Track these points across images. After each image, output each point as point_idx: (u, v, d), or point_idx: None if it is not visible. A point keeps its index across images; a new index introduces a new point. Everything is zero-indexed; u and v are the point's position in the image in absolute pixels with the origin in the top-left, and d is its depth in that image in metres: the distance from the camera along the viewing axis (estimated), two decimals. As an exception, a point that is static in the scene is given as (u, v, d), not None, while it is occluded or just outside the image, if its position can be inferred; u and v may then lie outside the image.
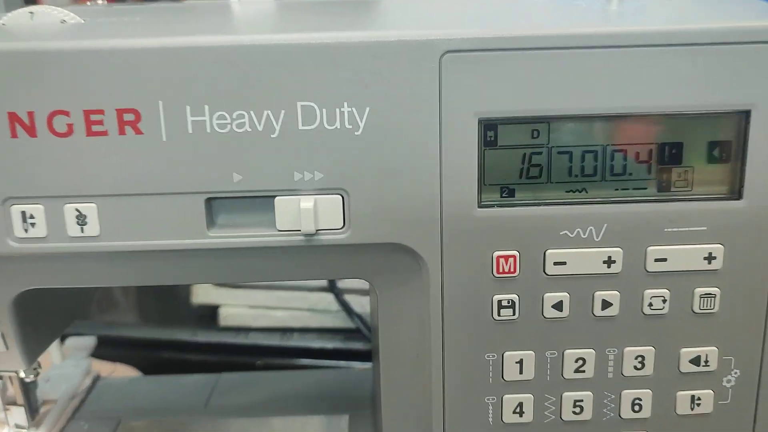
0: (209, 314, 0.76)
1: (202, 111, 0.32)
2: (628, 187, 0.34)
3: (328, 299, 0.72)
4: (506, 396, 0.37)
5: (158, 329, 0.76)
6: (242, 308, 0.75)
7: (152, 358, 0.74)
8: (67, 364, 0.59)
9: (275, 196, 0.33)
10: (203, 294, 0.76)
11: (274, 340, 0.72)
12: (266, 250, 0.35)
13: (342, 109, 0.32)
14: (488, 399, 0.37)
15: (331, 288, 0.71)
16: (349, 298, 0.71)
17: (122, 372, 0.71)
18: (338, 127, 0.32)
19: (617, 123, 0.33)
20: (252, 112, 0.32)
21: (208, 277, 0.38)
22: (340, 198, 0.34)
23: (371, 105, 0.32)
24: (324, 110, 0.32)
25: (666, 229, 0.34)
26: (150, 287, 0.77)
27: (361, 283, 0.70)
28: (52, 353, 0.56)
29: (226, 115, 0.32)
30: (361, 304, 0.71)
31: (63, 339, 0.62)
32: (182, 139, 0.32)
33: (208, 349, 0.73)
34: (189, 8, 0.45)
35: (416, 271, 0.36)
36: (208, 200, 0.34)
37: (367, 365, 0.68)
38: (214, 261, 0.36)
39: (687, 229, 0.34)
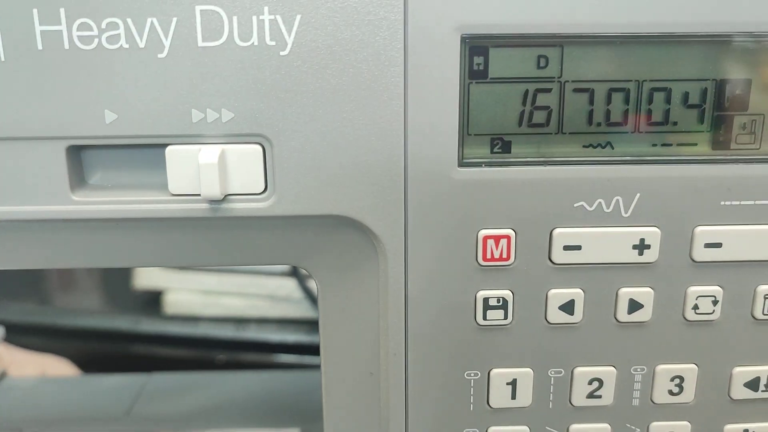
0: (153, 300, 0.72)
1: (56, 17, 0.26)
2: (671, 143, 0.30)
3: (290, 286, 0.69)
4: (493, 428, 0.33)
5: (95, 317, 0.73)
6: (191, 294, 0.72)
7: (88, 350, 0.70)
8: (-35, 360, 0.55)
9: (166, 145, 0.28)
10: (146, 277, 0.73)
11: (228, 332, 0.69)
12: (155, 223, 0.29)
13: (261, 17, 0.27)
14: (468, 432, 0.32)
15: (294, 273, 0.69)
16: (314, 284, 0.67)
17: (51, 364, 0.66)
18: (255, 43, 0.27)
19: (659, 48, 0.28)
20: (129, 21, 0.26)
21: (73, 259, 0.31)
22: (260, 149, 0.28)
23: (303, 12, 0.27)
24: (234, 19, 0.27)
25: (722, 203, 0.30)
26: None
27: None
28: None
29: (92, 23, 0.26)
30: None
31: (-38, 329, 0.58)
32: (29, 59, 0.27)
33: (151, 341, 0.70)
34: None
35: (370, 255, 0.31)
36: (72, 149, 0.28)
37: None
38: (82, 237, 0.30)
39: (751, 202, 0.30)
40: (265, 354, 0.68)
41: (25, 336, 0.64)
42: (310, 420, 0.47)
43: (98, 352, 0.70)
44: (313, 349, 0.67)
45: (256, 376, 0.56)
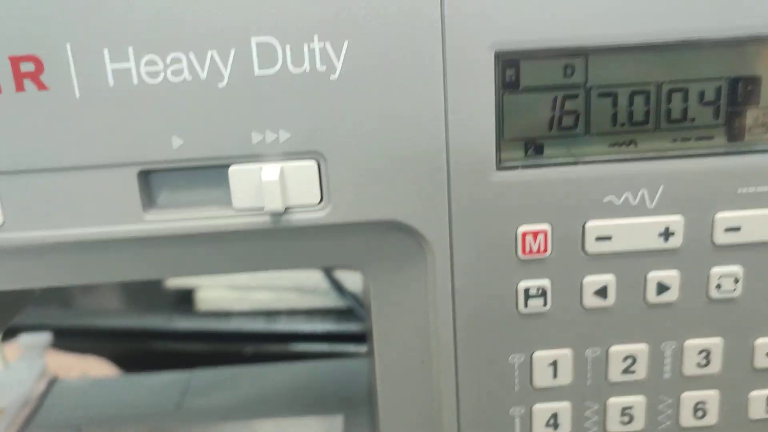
0: (185, 298, 0.73)
1: (125, 55, 0.28)
2: (689, 138, 0.30)
3: (317, 277, 0.70)
4: (537, 406, 0.34)
5: (130, 316, 0.73)
6: (221, 290, 0.72)
7: (125, 349, 0.70)
8: (18, 365, 0.55)
9: (229, 165, 0.29)
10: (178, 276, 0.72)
11: (259, 325, 0.70)
12: (222, 236, 0.30)
13: (312, 45, 0.28)
14: (514, 410, 0.34)
15: (320, 265, 0.66)
16: (340, 275, 0.69)
17: (94, 366, 0.67)
18: (307, 69, 0.28)
19: (675, 53, 0.29)
20: (191, 54, 0.28)
21: (148, 271, 0.32)
22: (315, 164, 0.29)
23: (350, 38, 0.28)
24: (288, 47, 0.28)
25: (739, 190, 0.31)
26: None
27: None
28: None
29: (158, 59, 0.28)
30: (353, 282, 0.68)
31: (13, 335, 0.58)
32: (101, 95, 0.28)
33: (186, 338, 0.70)
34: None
35: (418, 255, 0.32)
36: (143, 173, 0.29)
37: (363, 348, 0.64)
38: (155, 251, 0.31)
39: (766, 188, 0.31)
40: (296, 344, 0.67)
41: (63, 339, 0.63)
42: (353, 407, 0.48)
43: (135, 351, 0.69)
44: (343, 337, 0.67)
45: (295, 367, 0.56)
